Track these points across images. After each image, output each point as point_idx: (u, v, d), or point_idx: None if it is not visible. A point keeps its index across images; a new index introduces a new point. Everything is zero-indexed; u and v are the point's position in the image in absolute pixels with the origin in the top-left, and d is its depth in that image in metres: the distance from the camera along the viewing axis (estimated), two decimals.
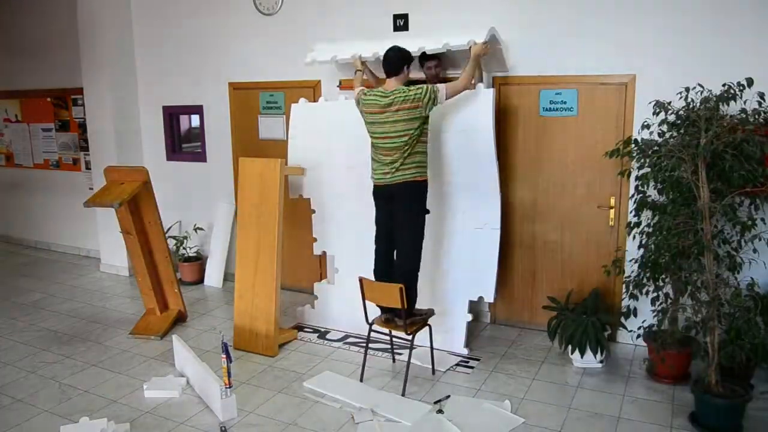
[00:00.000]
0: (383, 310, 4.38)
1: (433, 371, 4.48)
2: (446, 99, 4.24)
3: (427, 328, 4.38)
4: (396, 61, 4.27)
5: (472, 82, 4.42)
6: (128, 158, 6.81)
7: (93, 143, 7.02)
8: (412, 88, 4.19)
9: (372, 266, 4.54)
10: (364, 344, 4.71)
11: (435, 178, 4.67)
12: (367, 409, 3.91)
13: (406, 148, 4.19)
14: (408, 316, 4.18)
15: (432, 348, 4.50)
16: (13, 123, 8.28)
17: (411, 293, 4.27)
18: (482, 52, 4.37)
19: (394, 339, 4.72)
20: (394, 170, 4.23)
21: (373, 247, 4.54)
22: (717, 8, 4.27)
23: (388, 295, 4.15)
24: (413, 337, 4.26)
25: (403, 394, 4.15)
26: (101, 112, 6.83)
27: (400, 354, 4.73)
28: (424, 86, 4.18)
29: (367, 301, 4.33)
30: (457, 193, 4.67)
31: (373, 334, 4.49)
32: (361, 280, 4.29)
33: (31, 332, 5.39)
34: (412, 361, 4.61)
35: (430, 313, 4.45)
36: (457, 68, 4.86)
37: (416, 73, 4.80)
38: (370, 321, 4.37)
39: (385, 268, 4.45)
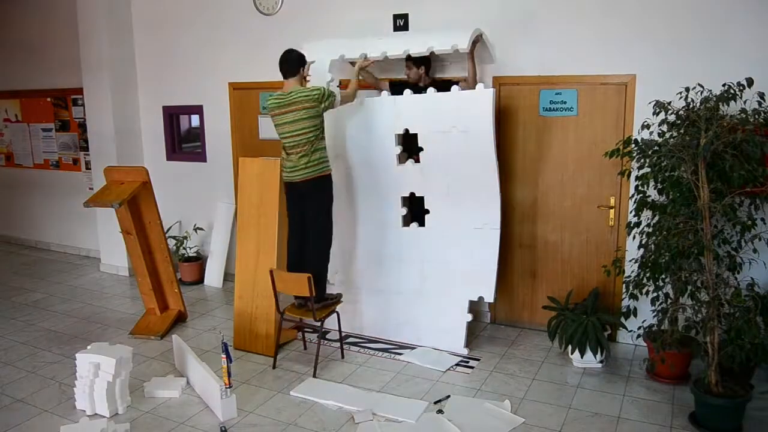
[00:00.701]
0: (297, 298, 4.62)
1: (342, 355, 4.75)
2: (338, 105, 4.56)
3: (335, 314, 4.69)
4: (293, 62, 4.49)
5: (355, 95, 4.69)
6: (128, 158, 6.81)
7: (93, 143, 7.02)
8: (311, 87, 4.45)
9: (372, 266, 4.55)
10: (366, 344, 4.74)
11: (435, 178, 4.68)
12: (368, 410, 3.91)
13: (309, 145, 4.41)
14: (319, 302, 4.48)
15: (340, 331, 4.79)
16: (13, 123, 8.28)
17: (322, 281, 4.62)
18: (363, 65, 4.69)
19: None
20: (302, 167, 4.44)
21: (378, 247, 4.58)
22: (717, 8, 4.27)
23: (298, 284, 4.38)
24: (322, 322, 4.51)
25: (314, 376, 4.40)
26: (101, 112, 6.83)
27: (400, 353, 4.72)
28: (323, 88, 4.44)
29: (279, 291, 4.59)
30: (457, 193, 4.66)
31: (370, 335, 4.49)
32: (272, 271, 4.51)
33: (31, 332, 5.39)
34: (412, 361, 4.64)
35: (339, 298, 4.75)
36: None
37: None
38: (281, 310, 4.61)
39: (299, 261, 4.63)
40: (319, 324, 4.50)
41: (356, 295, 5.07)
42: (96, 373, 3.90)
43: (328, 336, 5.15)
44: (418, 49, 4.53)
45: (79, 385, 3.97)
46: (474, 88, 4.47)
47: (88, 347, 4.09)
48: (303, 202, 4.56)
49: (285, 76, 4.51)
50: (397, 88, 4.89)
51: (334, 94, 4.47)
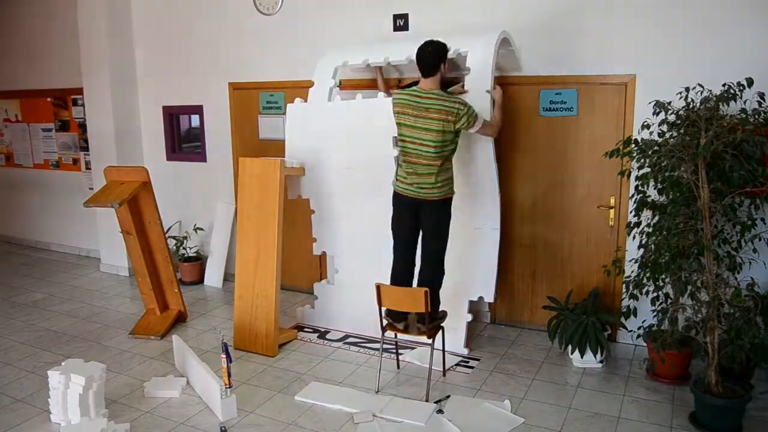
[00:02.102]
0: (395, 315, 4.25)
1: (444, 373, 4.46)
2: (474, 132, 4.22)
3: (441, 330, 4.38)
4: (429, 58, 3.99)
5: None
6: (128, 158, 6.81)
7: (93, 143, 7.02)
8: (453, 100, 4.02)
9: (372, 266, 4.55)
10: (366, 344, 4.74)
11: None
12: (368, 410, 3.91)
13: (438, 163, 4.07)
14: (431, 321, 4.14)
15: (444, 350, 4.47)
16: (13, 123, 8.28)
17: (436, 298, 4.26)
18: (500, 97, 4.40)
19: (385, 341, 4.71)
20: (429, 186, 4.14)
21: (378, 248, 4.53)
22: (717, 8, 4.27)
23: (413, 299, 4.07)
24: (434, 341, 4.19)
25: (426, 399, 4.07)
26: (101, 112, 6.83)
27: (400, 353, 4.72)
28: (465, 106, 4.02)
29: (380, 307, 4.24)
30: (457, 194, 4.65)
31: (370, 335, 4.49)
32: (378, 286, 4.16)
33: (31, 332, 5.39)
34: (411, 360, 4.64)
35: (445, 315, 4.40)
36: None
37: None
38: (383, 326, 4.29)
39: (407, 275, 4.39)
40: (431, 342, 4.16)
41: (356, 295, 5.07)
42: (67, 384, 3.79)
43: (327, 336, 5.16)
44: (397, 58, 4.55)
45: (52, 396, 3.86)
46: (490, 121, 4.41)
47: (63, 364, 3.97)
48: (420, 215, 4.25)
49: (424, 76, 4.06)
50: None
51: (475, 118, 4.05)
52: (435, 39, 4.08)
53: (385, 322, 4.28)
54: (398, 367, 4.58)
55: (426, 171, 4.13)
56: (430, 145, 4.05)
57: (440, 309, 4.38)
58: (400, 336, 4.51)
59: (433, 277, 4.32)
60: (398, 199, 4.33)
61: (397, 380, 4.38)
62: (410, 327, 4.23)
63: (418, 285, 4.27)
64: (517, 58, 4.80)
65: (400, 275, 4.37)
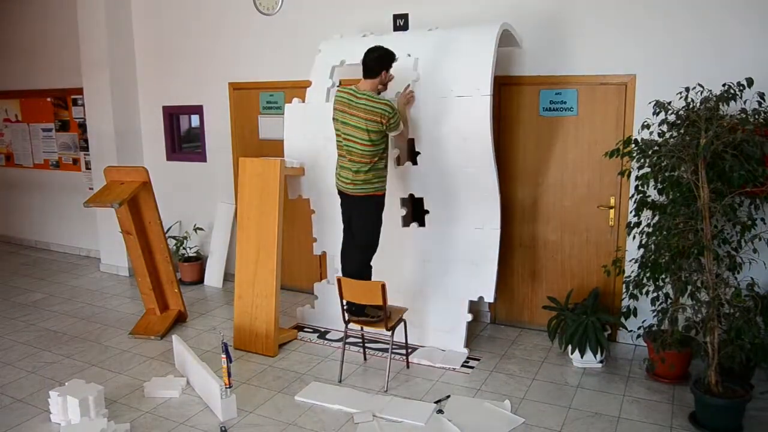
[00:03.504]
0: (353, 308, 4.43)
1: (408, 365, 4.61)
2: (394, 135, 4.44)
3: (402, 324, 4.52)
4: (374, 62, 4.25)
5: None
6: (128, 158, 6.81)
7: (93, 143, 7.02)
8: (382, 102, 4.21)
9: (374, 267, 4.55)
10: (366, 344, 4.73)
11: (434, 179, 4.67)
12: (368, 410, 3.91)
13: (367, 160, 4.28)
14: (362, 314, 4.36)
15: (406, 344, 4.62)
16: (13, 123, 8.28)
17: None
18: (408, 97, 4.51)
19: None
20: (358, 182, 4.33)
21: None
22: (717, 8, 4.27)
23: (370, 293, 4.22)
24: (393, 333, 4.33)
25: (386, 390, 4.23)
26: (101, 112, 6.83)
27: (400, 353, 4.73)
28: (392, 108, 4.22)
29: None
30: (456, 194, 4.66)
31: (370, 335, 4.49)
32: (339, 279, 4.34)
33: (30, 332, 5.39)
34: (419, 361, 4.65)
35: (403, 309, 4.54)
36: None
37: None
38: (346, 319, 4.44)
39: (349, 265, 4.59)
40: (390, 334, 4.32)
41: None
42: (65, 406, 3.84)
43: (327, 336, 5.16)
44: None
45: (52, 396, 3.88)
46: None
47: (66, 384, 4.00)
48: (350, 209, 4.52)
49: (365, 76, 4.30)
50: None
51: (397, 121, 4.26)
52: (385, 47, 4.30)
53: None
54: (365, 359, 4.72)
55: (354, 167, 4.32)
56: (359, 142, 4.25)
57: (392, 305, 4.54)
58: (398, 335, 4.52)
59: (359, 267, 4.52)
60: (338, 193, 4.57)
61: (397, 380, 4.38)
62: (367, 319, 4.40)
63: (347, 275, 4.45)
64: (517, 39, 4.78)
65: (345, 263, 4.65)
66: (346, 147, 4.33)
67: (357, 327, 4.54)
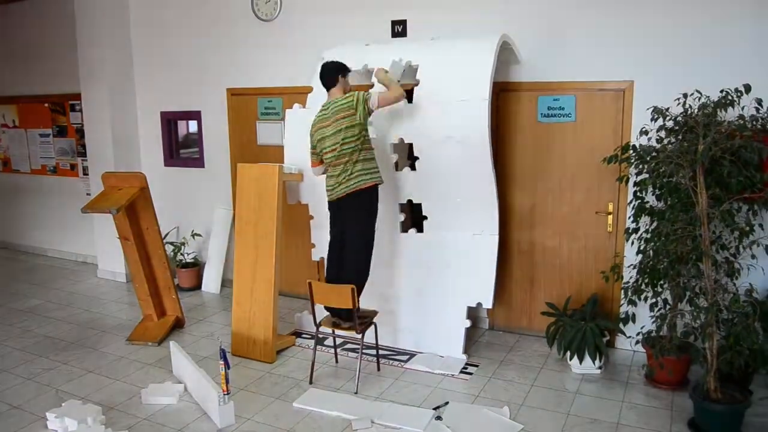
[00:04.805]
0: (331, 312, 4.51)
1: (378, 368, 4.65)
2: (378, 107, 4.32)
3: (373, 327, 4.56)
4: (331, 72, 4.42)
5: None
6: (126, 164, 6.81)
7: (90, 149, 7.02)
8: (345, 96, 4.34)
9: (372, 273, 4.54)
10: (364, 351, 4.72)
11: (432, 185, 4.68)
12: (366, 417, 3.90)
13: (349, 159, 4.31)
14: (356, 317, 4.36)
15: (377, 345, 4.67)
16: (11, 128, 8.27)
17: (358, 296, 4.39)
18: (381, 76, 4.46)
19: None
20: (343, 182, 4.35)
21: (375, 254, 4.55)
22: (715, 15, 4.29)
23: (339, 296, 4.28)
24: (363, 336, 4.40)
25: (356, 392, 4.29)
26: (99, 117, 6.83)
27: (399, 360, 4.71)
28: (356, 93, 4.30)
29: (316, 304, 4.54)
30: (455, 200, 4.66)
31: (368, 341, 4.48)
32: (310, 283, 4.42)
33: (27, 338, 5.36)
34: (416, 367, 4.63)
35: (375, 313, 4.59)
36: None
37: None
38: (317, 322, 4.55)
39: (337, 274, 4.54)
40: (360, 337, 4.40)
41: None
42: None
43: (325, 342, 5.15)
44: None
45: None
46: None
47: (63, 404, 4.01)
48: (342, 214, 4.47)
49: (327, 89, 4.46)
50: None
51: (368, 95, 4.29)
52: (332, 60, 4.51)
53: (321, 317, 4.60)
54: (336, 361, 4.80)
55: (337, 171, 4.36)
56: (339, 145, 4.30)
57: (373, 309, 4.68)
58: (396, 341, 4.51)
59: (357, 277, 4.46)
60: (329, 208, 4.58)
61: (396, 386, 4.37)
62: (343, 322, 4.46)
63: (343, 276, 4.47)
64: (516, 54, 4.79)
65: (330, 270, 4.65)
66: (328, 159, 4.39)
67: (355, 330, 4.50)
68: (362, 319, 4.40)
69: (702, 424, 3.70)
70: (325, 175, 4.53)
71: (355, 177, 4.32)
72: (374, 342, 4.63)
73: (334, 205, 4.50)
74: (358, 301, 4.28)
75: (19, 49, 7.82)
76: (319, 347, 5.04)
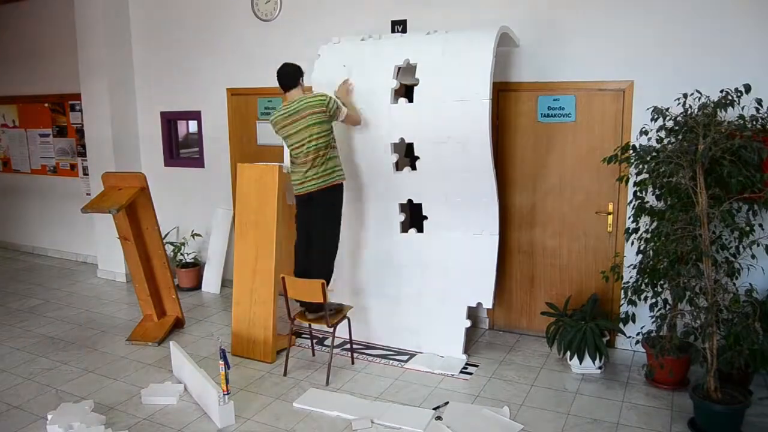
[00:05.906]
0: (304, 306, 4.61)
1: (353, 362, 4.75)
2: (340, 120, 4.52)
3: (346, 320, 4.66)
4: (292, 75, 4.53)
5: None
6: (126, 164, 6.81)
7: (90, 149, 7.02)
8: (317, 94, 4.47)
9: (370, 272, 4.55)
10: (364, 351, 4.74)
11: (432, 185, 4.68)
12: (366, 417, 3.90)
13: (319, 154, 4.42)
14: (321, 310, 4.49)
15: (351, 341, 4.78)
16: (11, 128, 8.27)
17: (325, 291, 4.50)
18: (344, 92, 4.67)
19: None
20: (312, 177, 4.45)
21: (375, 254, 4.58)
22: (715, 15, 4.29)
23: (311, 291, 4.37)
24: (335, 329, 4.49)
25: (326, 384, 4.38)
26: (99, 117, 6.83)
27: (399, 359, 4.72)
28: (326, 93, 4.45)
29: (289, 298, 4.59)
30: (455, 200, 4.66)
31: (368, 341, 4.48)
32: (283, 278, 4.49)
33: (27, 338, 5.36)
34: (416, 367, 4.63)
35: (348, 307, 4.70)
36: None
37: None
38: (292, 316, 4.61)
39: (305, 268, 4.65)
40: (331, 330, 4.49)
41: (353, 301, 5.06)
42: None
43: (325, 342, 5.15)
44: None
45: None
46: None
47: (59, 407, 3.99)
48: (310, 210, 4.58)
49: (286, 90, 4.55)
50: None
51: (338, 104, 4.46)
52: (291, 62, 4.60)
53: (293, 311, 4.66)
54: (313, 354, 4.91)
55: (305, 167, 4.46)
56: (307, 141, 4.40)
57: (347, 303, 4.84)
58: (396, 341, 4.51)
59: (322, 274, 4.56)
60: (297, 199, 4.67)
61: (396, 386, 4.37)
62: (316, 316, 4.58)
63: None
64: (513, 38, 4.79)
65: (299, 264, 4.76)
66: (296, 154, 4.49)
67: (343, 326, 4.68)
68: (332, 313, 4.53)
69: (702, 424, 3.70)
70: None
71: (329, 173, 4.47)
72: (375, 341, 4.62)
73: (303, 199, 4.59)
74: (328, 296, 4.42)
75: (19, 49, 7.82)
76: (318, 347, 5.06)
